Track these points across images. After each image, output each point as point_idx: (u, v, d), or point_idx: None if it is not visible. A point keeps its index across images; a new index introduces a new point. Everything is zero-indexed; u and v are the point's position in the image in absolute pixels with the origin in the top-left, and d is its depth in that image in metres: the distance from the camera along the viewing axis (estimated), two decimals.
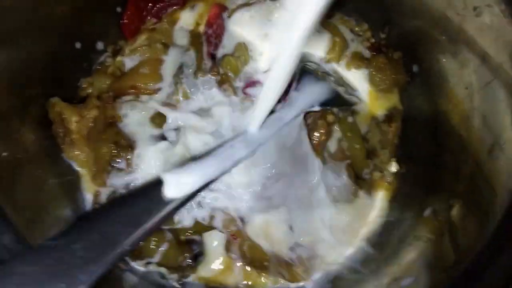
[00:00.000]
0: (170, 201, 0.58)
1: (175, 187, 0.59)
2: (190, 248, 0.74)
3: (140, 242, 0.56)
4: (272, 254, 0.75)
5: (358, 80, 0.83)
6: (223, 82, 0.78)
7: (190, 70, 0.80)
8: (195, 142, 0.73)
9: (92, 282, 0.51)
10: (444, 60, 0.75)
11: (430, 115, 0.78)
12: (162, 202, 0.58)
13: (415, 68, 0.82)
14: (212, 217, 0.75)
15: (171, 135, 0.75)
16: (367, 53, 0.86)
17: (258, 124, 0.72)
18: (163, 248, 0.72)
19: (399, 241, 0.75)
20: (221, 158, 0.65)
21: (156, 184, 0.60)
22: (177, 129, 0.75)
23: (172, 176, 0.61)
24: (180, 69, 0.79)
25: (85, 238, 0.52)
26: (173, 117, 0.77)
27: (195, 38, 0.82)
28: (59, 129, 0.73)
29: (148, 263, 0.72)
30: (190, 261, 0.73)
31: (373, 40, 0.86)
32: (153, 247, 0.71)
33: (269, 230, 0.75)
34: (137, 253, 0.71)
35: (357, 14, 0.88)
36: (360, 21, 0.88)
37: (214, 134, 0.74)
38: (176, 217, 0.74)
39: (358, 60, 0.83)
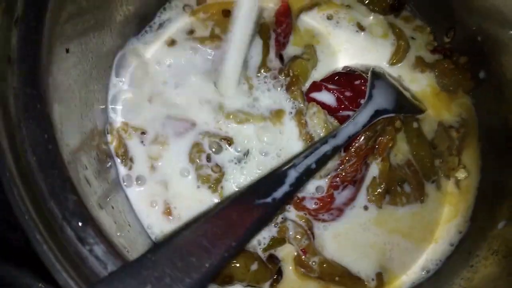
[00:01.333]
0: (263, 205, 0.58)
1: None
2: (274, 263, 0.73)
3: (236, 252, 0.55)
4: (343, 269, 0.75)
5: (422, 84, 0.82)
6: (291, 85, 0.77)
7: (254, 63, 0.79)
8: None
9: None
10: None
11: (500, 122, 0.78)
12: (254, 209, 0.57)
13: (482, 74, 0.81)
14: (285, 230, 0.74)
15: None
16: (429, 57, 0.85)
17: (232, 91, 0.75)
18: (253, 267, 0.71)
19: (470, 253, 0.75)
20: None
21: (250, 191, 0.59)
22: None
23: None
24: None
25: (183, 250, 0.52)
26: None
27: (264, 28, 0.80)
28: None
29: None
30: (276, 276, 0.73)
31: (435, 44, 0.85)
32: (244, 268, 0.71)
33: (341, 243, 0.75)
34: (228, 279, 0.71)
35: (421, 16, 0.87)
36: (423, 24, 0.87)
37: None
38: None
39: (422, 64, 0.83)
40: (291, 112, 0.77)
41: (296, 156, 0.65)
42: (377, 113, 0.72)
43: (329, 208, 0.75)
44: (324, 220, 0.76)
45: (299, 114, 0.77)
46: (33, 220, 0.51)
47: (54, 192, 0.53)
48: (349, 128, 0.70)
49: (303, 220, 0.75)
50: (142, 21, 0.80)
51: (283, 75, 0.78)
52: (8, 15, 0.53)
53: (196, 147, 0.75)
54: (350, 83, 0.78)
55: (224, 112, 0.77)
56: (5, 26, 0.53)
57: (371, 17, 0.84)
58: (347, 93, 0.77)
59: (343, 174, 0.75)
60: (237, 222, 0.56)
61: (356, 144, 0.75)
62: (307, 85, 0.79)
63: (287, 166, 0.63)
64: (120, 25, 0.74)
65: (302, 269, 0.74)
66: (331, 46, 0.81)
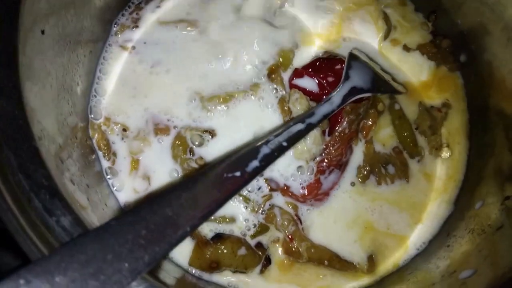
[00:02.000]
0: (232, 179, 0.58)
1: None
2: (262, 249, 0.75)
3: (201, 224, 0.55)
4: (332, 253, 0.75)
5: (406, 66, 0.82)
6: (272, 73, 0.78)
7: None
8: None
9: (155, 263, 0.51)
10: (495, 49, 0.74)
11: (481, 104, 0.78)
12: (223, 182, 0.58)
13: (463, 57, 0.81)
14: (272, 216, 0.75)
15: None
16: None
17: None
18: (241, 252, 0.72)
19: (448, 234, 0.75)
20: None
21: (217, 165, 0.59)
22: None
23: None
24: None
25: (148, 220, 0.52)
26: None
27: None
28: None
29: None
30: (265, 262, 0.74)
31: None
32: (231, 253, 0.72)
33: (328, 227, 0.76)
34: (215, 265, 0.72)
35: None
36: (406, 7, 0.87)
37: None
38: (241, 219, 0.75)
39: (405, 47, 0.83)
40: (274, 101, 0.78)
41: (269, 133, 0.65)
42: (353, 92, 0.73)
43: (316, 193, 0.76)
44: (311, 205, 0.76)
45: (281, 101, 0.77)
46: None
47: (22, 165, 0.54)
48: (324, 107, 0.71)
49: (291, 206, 0.75)
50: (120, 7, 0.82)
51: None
52: None
53: (179, 141, 0.76)
54: (331, 68, 0.78)
55: (204, 98, 0.77)
56: None
57: None
58: (329, 78, 0.78)
59: (329, 158, 0.76)
60: (204, 194, 0.56)
61: (340, 128, 0.76)
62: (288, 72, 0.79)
63: (259, 143, 0.63)
64: (99, 10, 0.76)
65: (290, 256, 0.75)
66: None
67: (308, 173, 0.75)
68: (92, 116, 0.77)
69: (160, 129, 0.77)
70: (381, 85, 0.76)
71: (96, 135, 0.76)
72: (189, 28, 0.81)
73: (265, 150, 0.63)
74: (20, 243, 0.51)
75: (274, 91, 0.77)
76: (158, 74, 0.79)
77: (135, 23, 0.81)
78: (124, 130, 0.77)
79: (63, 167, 0.62)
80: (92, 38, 0.78)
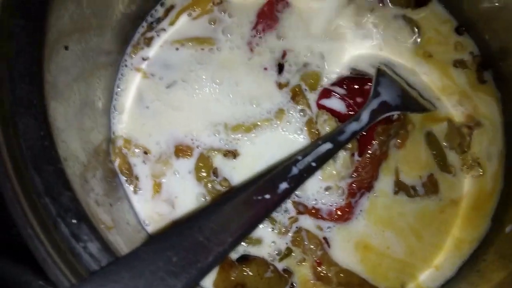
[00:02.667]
0: (262, 201, 0.57)
1: None
2: (289, 272, 0.73)
3: (233, 249, 0.54)
4: (362, 279, 0.73)
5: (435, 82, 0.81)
6: (295, 95, 0.77)
7: None
8: None
9: (193, 284, 0.50)
10: None
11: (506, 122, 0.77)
12: (253, 205, 0.57)
13: (489, 74, 0.80)
14: (300, 240, 0.73)
15: None
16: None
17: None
18: (267, 275, 0.71)
19: (477, 258, 0.73)
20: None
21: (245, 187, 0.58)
22: None
23: None
24: None
25: (179, 246, 0.51)
26: None
27: None
28: None
29: None
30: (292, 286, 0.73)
31: None
32: (257, 276, 0.71)
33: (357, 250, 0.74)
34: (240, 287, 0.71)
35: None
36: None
37: None
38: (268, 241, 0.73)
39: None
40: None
41: (297, 153, 0.64)
42: (382, 109, 0.71)
43: (347, 217, 0.75)
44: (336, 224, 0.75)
45: (309, 123, 0.76)
46: (26, 215, 0.51)
47: (48, 188, 0.53)
48: (353, 125, 0.70)
49: (318, 229, 0.74)
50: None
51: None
52: (8, 9, 0.54)
53: (202, 162, 0.75)
54: (360, 88, 0.77)
55: (228, 126, 0.76)
56: (4, 20, 0.54)
57: None
58: (358, 99, 0.76)
59: (359, 180, 0.75)
60: (234, 218, 0.55)
61: (371, 150, 0.74)
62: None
63: (287, 163, 0.62)
64: (120, 24, 0.75)
65: (319, 281, 0.73)
66: None
67: (338, 195, 0.73)
68: (113, 132, 0.75)
69: (182, 151, 0.75)
70: (411, 102, 0.74)
71: (118, 160, 0.74)
72: (204, 46, 0.79)
73: (294, 171, 0.62)
74: (47, 272, 0.50)
75: (301, 113, 0.76)
76: (176, 94, 0.77)
77: (148, 43, 0.79)
78: (146, 153, 0.75)
79: (88, 188, 0.61)
80: (112, 50, 0.77)
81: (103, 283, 0.47)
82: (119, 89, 0.78)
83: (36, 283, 0.68)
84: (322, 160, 0.64)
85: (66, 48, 0.63)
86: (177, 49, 0.79)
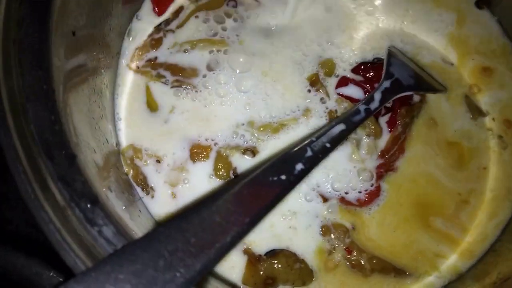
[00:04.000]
0: (278, 182, 0.57)
1: None
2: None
3: (251, 230, 0.54)
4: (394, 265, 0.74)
5: None
6: (313, 85, 0.78)
7: None
8: None
9: (206, 271, 0.50)
10: None
11: None
12: (269, 185, 0.57)
13: None
14: (325, 229, 0.74)
15: None
16: None
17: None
18: (297, 266, 0.72)
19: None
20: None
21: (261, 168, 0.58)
22: None
23: None
24: None
25: (197, 226, 0.51)
26: None
27: None
28: None
29: None
30: None
31: None
32: (286, 268, 0.71)
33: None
34: (271, 281, 0.71)
35: None
36: None
37: None
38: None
39: None
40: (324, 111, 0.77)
41: (311, 134, 0.64)
42: (395, 90, 0.72)
43: (376, 200, 0.75)
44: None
45: (330, 114, 0.76)
46: (39, 200, 0.51)
47: (61, 173, 0.53)
48: (365, 107, 0.70)
49: (345, 216, 0.74)
50: None
51: None
52: None
53: (221, 162, 0.75)
54: (376, 74, 0.77)
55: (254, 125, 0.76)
56: (12, 7, 0.54)
57: None
58: (375, 85, 0.77)
59: (387, 163, 0.76)
60: (251, 199, 0.55)
61: (396, 133, 0.76)
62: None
63: (302, 144, 0.62)
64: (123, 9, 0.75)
65: (354, 269, 0.73)
66: None
67: (366, 180, 0.74)
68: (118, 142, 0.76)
69: (198, 154, 0.75)
70: (422, 82, 0.74)
71: (132, 171, 0.74)
72: (215, 48, 0.79)
73: (309, 152, 0.62)
74: (62, 256, 0.50)
75: (321, 102, 0.76)
76: (185, 98, 0.77)
77: (156, 44, 0.79)
78: (158, 161, 0.75)
79: (100, 173, 0.61)
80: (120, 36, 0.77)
81: (122, 263, 0.47)
82: (119, 92, 0.78)
83: (47, 274, 0.69)
84: (336, 141, 0.64)
85: (74, 33, 0.63)
86: (185, 51, 0.79)
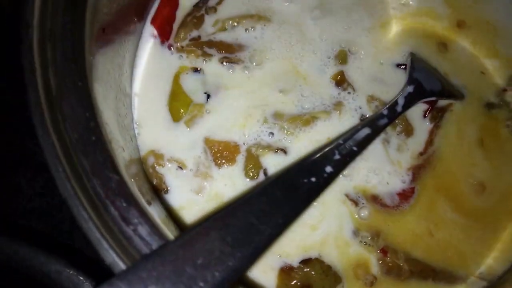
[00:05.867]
0: (309, 184, 0.60)
1: None
2: None
3: (284, 232, 0.57)
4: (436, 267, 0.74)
5: None
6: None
7: None
8: None
9: (243, 271, 0.52)
10: None
11: None
12: (300, 187, 0.59)
13: None
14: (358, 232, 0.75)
15: None
16: None
17: None
18: (331, 272, 0.72)
19: None
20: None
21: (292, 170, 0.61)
22: None
23: None
24: None
25: (232, 226, 0.53)
26: None
27: None
28: None
29: None
30: None
31: None
32: (321, 274, 0.72)
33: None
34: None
35: None
36: None
37: None
38: None
39: None
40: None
41: (338, 137, 0.67)
42: (418, 96, 0.75)
43: (409, 200, 0.77)
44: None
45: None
46: (78, 197, 0.52)
47: (96, 170, 0.55)
48: (390, 111, 0.73)
49: (377, 218, 0.75)
50: None
51: None
52: None
53: (251, 163, 0.75)
54: None
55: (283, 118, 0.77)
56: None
57: None
58: None
59: (421, 163, 0.78)
60: (283, 200, 0.57)
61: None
62: None
63: (330, 147, 0.65)
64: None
65: (390, 273, 0.73)
66: None
67: (399, 180, 0.76)
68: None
69: (224, 157, 0.75)
70: (445, 89, 0.78)
71: (155, 180, 0.74)
72: (258, 24, 0.81)
73: (337, 155, 0.64)
74: (101, 254, 0.51)
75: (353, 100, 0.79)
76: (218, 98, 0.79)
77: (198, 23, 0.80)
78: (181, 167, 0.75)
79: (129, 172, 0.62)
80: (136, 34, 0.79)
81: (163, 261, 0.49)
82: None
83: (66, 272, 0.70)
84: (362, 145, 0.67)
85: (103, 31, 0.64)
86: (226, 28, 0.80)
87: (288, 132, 0.76)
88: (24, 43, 0.55)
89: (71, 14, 0.57)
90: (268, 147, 0.75)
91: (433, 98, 0.77)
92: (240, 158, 0.75)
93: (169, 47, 0.79)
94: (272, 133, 0.76)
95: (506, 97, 0.81)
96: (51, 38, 0.56)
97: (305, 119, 0.77)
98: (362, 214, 0.76)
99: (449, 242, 0.75)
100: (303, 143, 0.77)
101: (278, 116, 0.77)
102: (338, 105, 0.78)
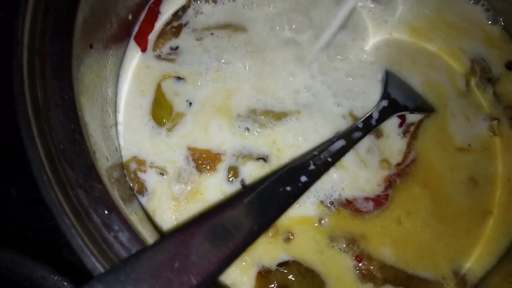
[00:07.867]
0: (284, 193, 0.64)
1: None
2: None
3: (257, 236, 0.61)
4: (409, 273, 0.76)
5: None
6: None
7: None
8: None
9: (218, 274, 0.56)
10: None
11: None
12: (276, 196, 0.63)
13: None
14: (334, 238, 0.77)
15: None
16: None
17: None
18: (309, 275, 0.74)
19: None
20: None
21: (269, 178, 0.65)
22: None
23: None
24: None
25: (209, 233, 0.57)
26: None
27: None
28: None
29: None
30: None
31: None
32: (299, 276, 0.74)
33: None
34: None
35: None
36: None
37: None
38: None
39: None
40: None
41: (314, 149, 0.71)
42: (391, 110, 0.79)
43: (382, 207, 0.79)
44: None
45: None
46: (62, 206, 0.56)
47: (80, 180, 0.59)
48: (364, 124, 0.77)
49: (352, 223, 0.77)
50: None
51: None
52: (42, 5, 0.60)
53: (232, 171, 0.78)
54: None
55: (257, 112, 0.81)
56: (37, 16, 0.60)
57: None
58: None
59: (398, 169, 0.81)
60: (259, 208, 0.61)
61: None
62: None
63: (306, 158, 0.69)
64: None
65: (365, 279, 0.75)
66: None
67: (374, 187, 0.79)
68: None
69: (205, 164, 0.78)
70: (417, 103, 0.82)
71: (136, 186, 0.77)
72: (236, 33, 0.85)
73: (312, 165, 0.69)
74: (83, 259, 0.55)
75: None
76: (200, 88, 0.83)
77: (177, 32, 0.84)
78: (162, 173, 0.78)
79: (112, 181, 0.66)
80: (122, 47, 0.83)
81: (140, 265, 0.52)
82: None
83: (51, 278, 0.73)
84: (337, 156, 0.71)
85: (91, 46, 0.68)
86: (199, 39, 0.85)
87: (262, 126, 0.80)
88: (14, 58, 0.58)
89: (59, 33, 0.61)
90: (249, 156, 0.79)
91: (406, 112, 0.81)
92: (221, 166, 0.78)
93: (153, 56, 0.84)
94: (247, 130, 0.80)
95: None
96: (38, 54, 0.60)
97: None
98: (337, 219, 0.78)
99: (425, 247, 0.77)
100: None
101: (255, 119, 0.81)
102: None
